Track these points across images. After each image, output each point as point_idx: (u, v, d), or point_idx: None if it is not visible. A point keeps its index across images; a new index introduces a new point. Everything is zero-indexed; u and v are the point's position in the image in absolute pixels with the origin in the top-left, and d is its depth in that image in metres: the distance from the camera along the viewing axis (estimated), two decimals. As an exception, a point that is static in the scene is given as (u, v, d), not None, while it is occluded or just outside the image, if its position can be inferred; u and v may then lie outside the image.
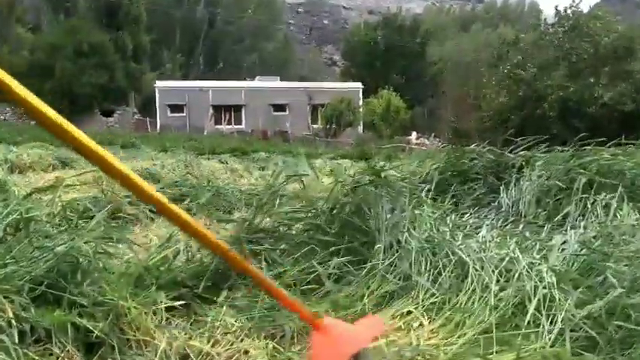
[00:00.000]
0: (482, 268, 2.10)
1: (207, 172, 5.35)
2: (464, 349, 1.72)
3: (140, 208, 3.51)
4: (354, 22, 64.04)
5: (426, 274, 2.17)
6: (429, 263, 2.22)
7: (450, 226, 2.68)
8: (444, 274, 2.16)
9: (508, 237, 2.58)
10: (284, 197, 2.82)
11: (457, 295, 2.00)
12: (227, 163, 7.93)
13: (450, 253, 2.23)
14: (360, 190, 2.72)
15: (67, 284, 1.79)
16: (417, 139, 31.05)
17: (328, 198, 2.73)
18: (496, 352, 1.66)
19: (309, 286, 2.25)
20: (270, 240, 2.56)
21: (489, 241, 2.45)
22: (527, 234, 2.84)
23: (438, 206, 3.11)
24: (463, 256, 2.18)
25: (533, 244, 2.50)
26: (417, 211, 2.66)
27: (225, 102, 35.00)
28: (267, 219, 2.72)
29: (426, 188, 3.43)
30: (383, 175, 2.97)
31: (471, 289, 2.02)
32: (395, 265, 2.27)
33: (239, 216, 2.91)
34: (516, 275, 1.99)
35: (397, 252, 2.33)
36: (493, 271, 2.05)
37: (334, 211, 2.67)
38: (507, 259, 2.12)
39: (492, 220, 3.24)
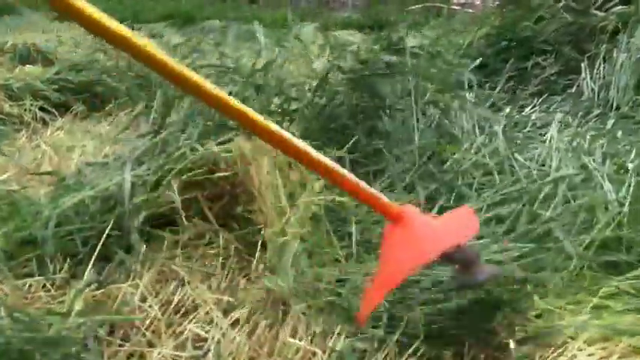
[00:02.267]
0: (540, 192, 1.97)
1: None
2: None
3: (27, 106, 3.30)
4: None
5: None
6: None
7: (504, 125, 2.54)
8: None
9: (588, 140, 2.47)
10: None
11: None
12: (162, 36, 7.36)
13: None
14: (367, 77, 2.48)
15: None
16: (462, -5, 30.07)
17: (316, 89, 2.46)
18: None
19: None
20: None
21: (561, 149, 2.35)
22: (621, 134, 2.70)
23: (487, 94, 3.04)
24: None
25: (630, 150, 2.38)
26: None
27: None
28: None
29: (469, 67, 3.15)
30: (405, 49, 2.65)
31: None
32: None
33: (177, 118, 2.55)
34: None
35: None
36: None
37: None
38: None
39: (568, 113, 3.03)
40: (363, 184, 1.32)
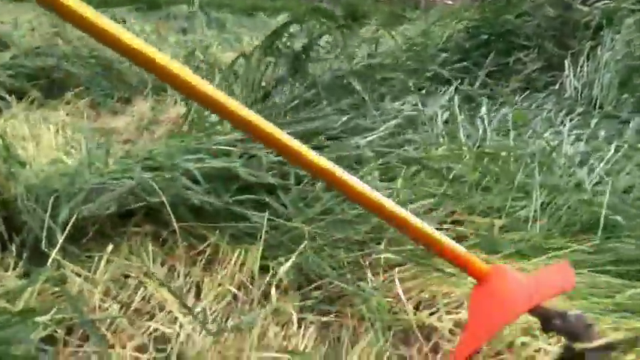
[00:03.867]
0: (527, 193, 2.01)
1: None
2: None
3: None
4: None
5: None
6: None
7: (485, 122, 2.55)
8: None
9: (571, 139, 2.50)
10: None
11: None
12: (125, 21, 7.22)
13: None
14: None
15: None
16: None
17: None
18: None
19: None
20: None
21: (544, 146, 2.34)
22: (603, 133, 2.70)
23: (465, 90, 3.03)
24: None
25: (610, 149, 2.42)
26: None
27: None
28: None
29: (441, 62, 3.25)
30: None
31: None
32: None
33: (146, 106, 2.53)
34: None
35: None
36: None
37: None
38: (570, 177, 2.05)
39: (550, 111, 3.01)
40: (446, 240, 1.32)
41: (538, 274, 1.52)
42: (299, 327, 1.60)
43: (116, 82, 3.54)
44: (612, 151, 2.38)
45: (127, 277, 1.75)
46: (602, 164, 2.26)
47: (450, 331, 1.57)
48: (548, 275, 1.48)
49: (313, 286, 1.74)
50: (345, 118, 2.37)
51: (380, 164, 2.18)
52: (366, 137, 2.29)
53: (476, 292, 1.36)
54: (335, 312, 1.67)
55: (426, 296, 1.70)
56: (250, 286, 1.72)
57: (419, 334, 1.58)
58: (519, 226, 1.92)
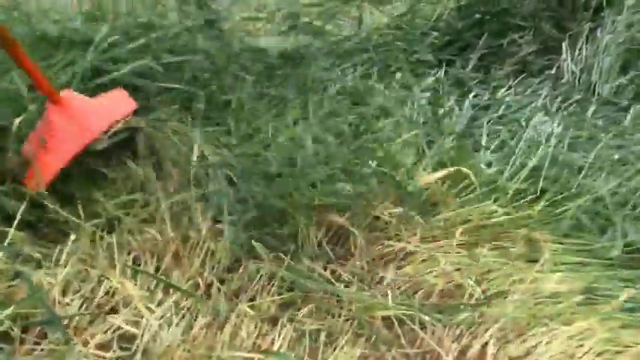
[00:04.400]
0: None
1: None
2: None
3: None
4: None
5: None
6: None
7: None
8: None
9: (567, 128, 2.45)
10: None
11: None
12: None
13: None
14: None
15: None
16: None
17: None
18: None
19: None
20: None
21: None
22: (601, 123, 2.70)
23: (455, 74, 2.97)
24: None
25: (611, 139, 2.45)
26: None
27: None
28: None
29: (430, 42, 3.20)
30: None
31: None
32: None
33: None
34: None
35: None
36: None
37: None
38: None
39: (545, 98, 2.97)
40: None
41: (103, 99, 1.81)
42: (274, 325, 1.58)
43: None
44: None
45: (88, 269, 1.68)
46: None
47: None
48: (112, 101, 1.82)
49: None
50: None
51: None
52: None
53: (51, 113, 1.62)
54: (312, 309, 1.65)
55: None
56: (223, 280, 1.69)
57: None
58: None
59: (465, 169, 1.97)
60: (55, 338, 1.47)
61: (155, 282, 1.65)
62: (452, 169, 1.99)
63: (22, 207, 1.67)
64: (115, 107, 1.77)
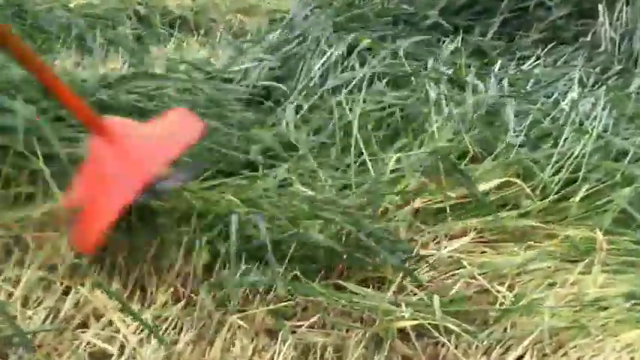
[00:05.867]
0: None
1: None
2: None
3: None
4: None
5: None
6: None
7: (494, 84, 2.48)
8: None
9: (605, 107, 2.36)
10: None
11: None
12: None
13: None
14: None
15: None
16: None
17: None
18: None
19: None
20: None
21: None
22: None
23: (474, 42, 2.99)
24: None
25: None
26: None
27: None
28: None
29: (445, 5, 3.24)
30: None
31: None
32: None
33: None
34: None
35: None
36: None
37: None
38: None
39: (580, 69, 2.89)
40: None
41: (161, 124, 1.58)
42: (272, 339, 1.52)
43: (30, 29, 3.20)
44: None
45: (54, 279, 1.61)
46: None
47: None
48: (172, 126, 1.58)
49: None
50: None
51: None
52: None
53: (97, 149, 1.43)
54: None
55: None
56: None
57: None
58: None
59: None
60: (18, 358, 1.40)
61: (130, 291, 1.60)
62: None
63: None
64: (178, 135, 1.56)
